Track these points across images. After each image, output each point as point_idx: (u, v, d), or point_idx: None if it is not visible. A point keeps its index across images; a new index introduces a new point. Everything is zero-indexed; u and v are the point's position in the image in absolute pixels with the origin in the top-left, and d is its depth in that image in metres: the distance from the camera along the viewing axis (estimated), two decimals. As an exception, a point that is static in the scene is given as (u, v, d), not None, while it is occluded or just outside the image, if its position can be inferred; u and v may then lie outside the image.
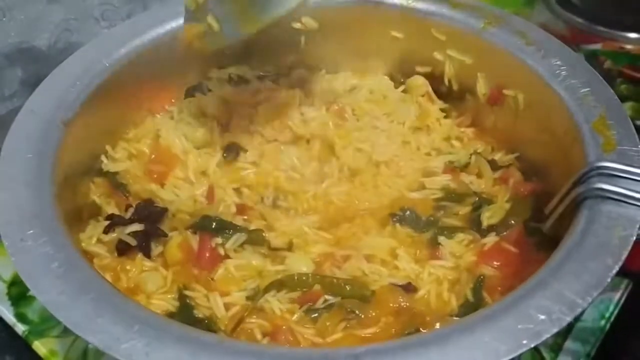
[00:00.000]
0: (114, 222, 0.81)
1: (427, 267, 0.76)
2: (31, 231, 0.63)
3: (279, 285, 0.73)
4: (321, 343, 0.68)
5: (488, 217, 0.81)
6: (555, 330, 0.53)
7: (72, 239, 0.65)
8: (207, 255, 0.77)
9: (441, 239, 0.79)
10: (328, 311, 0.71)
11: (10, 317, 0.85)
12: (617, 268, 0.58)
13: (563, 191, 0.70)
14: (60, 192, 0.71)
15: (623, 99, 1.14)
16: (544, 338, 0.53)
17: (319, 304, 0.71)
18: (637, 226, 0.62)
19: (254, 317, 0.71)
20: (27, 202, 0.66)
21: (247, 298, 0.73)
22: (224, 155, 0.90)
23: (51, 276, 0.59)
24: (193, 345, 0.53)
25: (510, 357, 0.51)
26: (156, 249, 0.79)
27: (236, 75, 1.01)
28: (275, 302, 0.71)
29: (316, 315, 0.71)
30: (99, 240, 0.79)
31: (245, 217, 0.82)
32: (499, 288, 0.74)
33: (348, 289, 0.73)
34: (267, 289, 0.73)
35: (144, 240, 0.79)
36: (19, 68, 1.01)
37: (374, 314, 0.71)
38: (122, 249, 0.79)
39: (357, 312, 0.71)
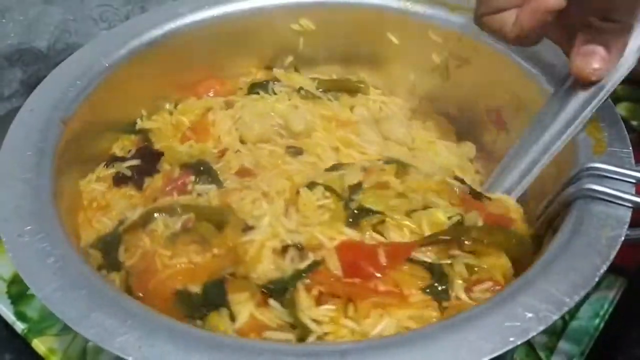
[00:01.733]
0: (115, 158, 0.89)
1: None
2: (29, 227, 0.64)
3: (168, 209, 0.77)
4: (172, 264, 0.71)
5: None
6: (541, 328, 0.54)
7: (69, 236, 0.66)
8: (177, 185, 0.82)
9: None
10: (185, 234, 0.73)
11: (9, 316, 0.86)
12: (604, 268, 0.59)
13: (554, 192, 0.71)
14: (59, 190, 0.72)
15: (618, 99, 1.15)
16: (530, 336, 0.53)
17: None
18: (626, 226, 0.63)
19: (144, 236, 0.75)
20: (26, 199, 0.67)
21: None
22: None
23: (47, 272, 0.60)
24: (185, 340, 0.54)
25: (496, 354, 0.52)
26: (146, 183, 0.85)
27: (305, 90, 1.00)
28: (161, 225, 0.75)
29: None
30: (98, 179, 0.86)
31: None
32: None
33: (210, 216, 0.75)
34: (154, 211, 0.77)
35: (138, 173, 0.86)
36: (19, 69, 1.01)
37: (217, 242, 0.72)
38: (118, 181, 0.86)
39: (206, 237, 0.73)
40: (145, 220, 0.76)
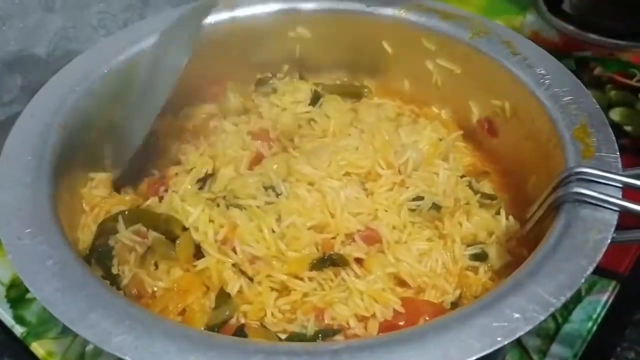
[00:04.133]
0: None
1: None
2: (28, 230, 0.65)
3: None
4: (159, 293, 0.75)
5: None
6: (528, 328, 0.55)
7: (67, 238, 0.67)
8: (154, 188, 0.87)
9: None
10: (151, 254, 0.77)
11: (8, 319, 0.86)
12: (591, 269, 0.60)
13: (543, 195, 0.72)
14: (58, 193, 0.73)
15: (612, 104, 1.16)
16: (517, 335, 0.55)
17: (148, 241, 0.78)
18: (612, 229, 0.64)
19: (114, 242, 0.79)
20: (26, 202, 0.68)
21: None
22: None
23: (47, 273, 0.61)
24: (181, 340, 0.55)
25: (485, 353, 0.53)
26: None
27: None
28: (124, 232, 0.78)
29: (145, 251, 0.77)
30: (99, 183, 0.88)
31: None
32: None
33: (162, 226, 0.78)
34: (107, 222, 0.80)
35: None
36: (18, 75, 1.02)
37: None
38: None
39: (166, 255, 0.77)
40: (104, 231, 0.80)
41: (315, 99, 0.98)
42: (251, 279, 0.75)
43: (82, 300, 0.58)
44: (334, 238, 0.78)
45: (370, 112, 0.99)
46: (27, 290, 0.86)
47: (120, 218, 0.79)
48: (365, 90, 1.07)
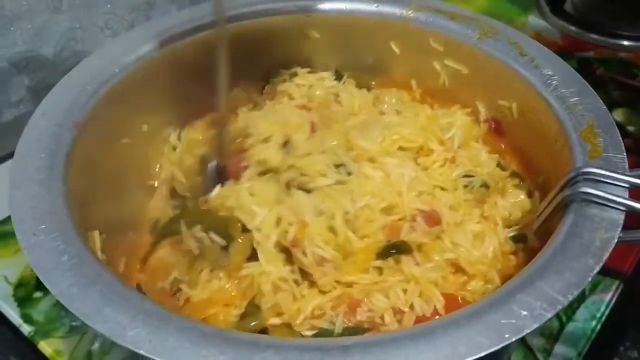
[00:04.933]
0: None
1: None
2: (43, 226, 0.65)
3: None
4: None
5: None
6: (536, 325, 0.56)
7: (81, 234, 0.67)
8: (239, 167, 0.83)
9: None
10: (201, 259, 0.77)
11: (16, 318, 0.86)
12: (598, 268, 0.61)
13: (551, 195, 0.72)
14: (71, 190, 0.73)
15: (615, 105, 1.17)
16: (524, 332, 0.55)
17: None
18: (619, 229, 0.64)
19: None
20: (40, 199, 0.69)
21: None
22: None
23: (62, 269, 0.61)
24: (194, 335, 0.55)
25: (492, 350, 0.53)
26: None
27: None
28: (187, 233, 0.78)
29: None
30: None
31: None
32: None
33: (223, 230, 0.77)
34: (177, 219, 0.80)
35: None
36: (26, 76, 1.02)
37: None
38: None
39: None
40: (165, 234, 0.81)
41: (339, 77, 0.99)
42: (315, 283, 0.73)
43: (96, 295, 0.59)
44: (401, 220, 0.77)
45: (390, 95, 0.99)
46: (35, 289, 0.88)
47: (182, 222, 0.78)
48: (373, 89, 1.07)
